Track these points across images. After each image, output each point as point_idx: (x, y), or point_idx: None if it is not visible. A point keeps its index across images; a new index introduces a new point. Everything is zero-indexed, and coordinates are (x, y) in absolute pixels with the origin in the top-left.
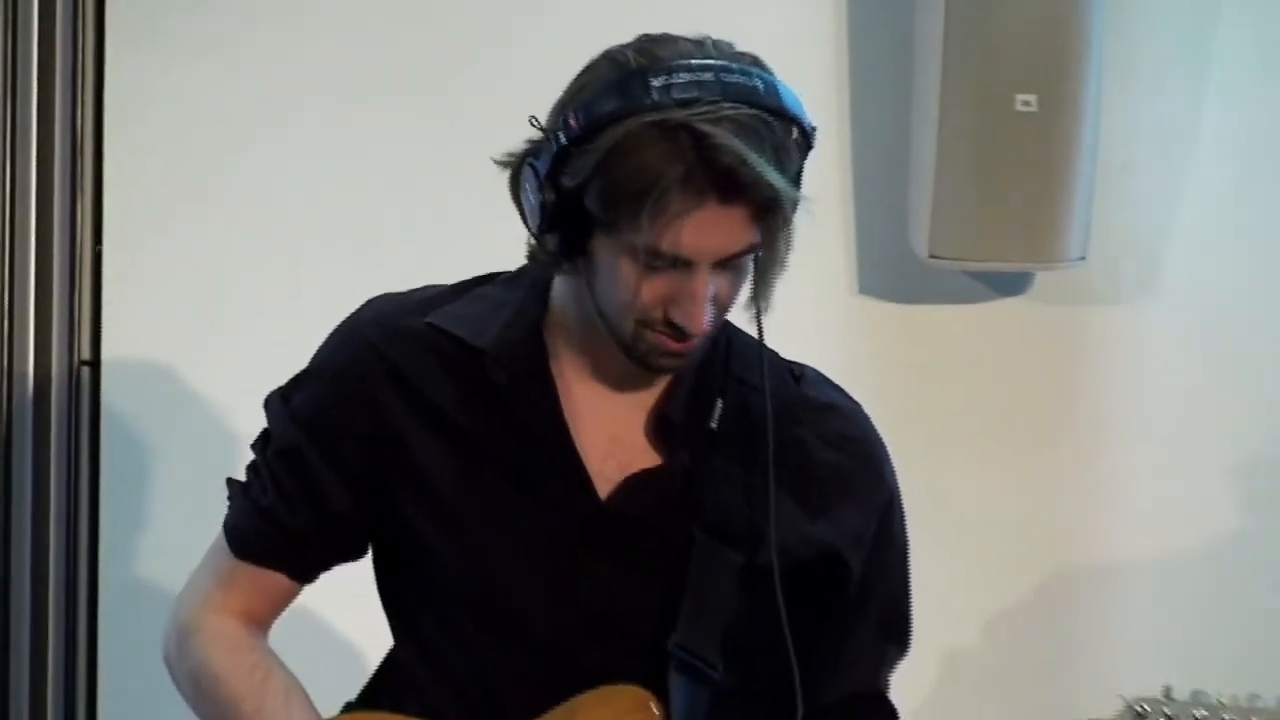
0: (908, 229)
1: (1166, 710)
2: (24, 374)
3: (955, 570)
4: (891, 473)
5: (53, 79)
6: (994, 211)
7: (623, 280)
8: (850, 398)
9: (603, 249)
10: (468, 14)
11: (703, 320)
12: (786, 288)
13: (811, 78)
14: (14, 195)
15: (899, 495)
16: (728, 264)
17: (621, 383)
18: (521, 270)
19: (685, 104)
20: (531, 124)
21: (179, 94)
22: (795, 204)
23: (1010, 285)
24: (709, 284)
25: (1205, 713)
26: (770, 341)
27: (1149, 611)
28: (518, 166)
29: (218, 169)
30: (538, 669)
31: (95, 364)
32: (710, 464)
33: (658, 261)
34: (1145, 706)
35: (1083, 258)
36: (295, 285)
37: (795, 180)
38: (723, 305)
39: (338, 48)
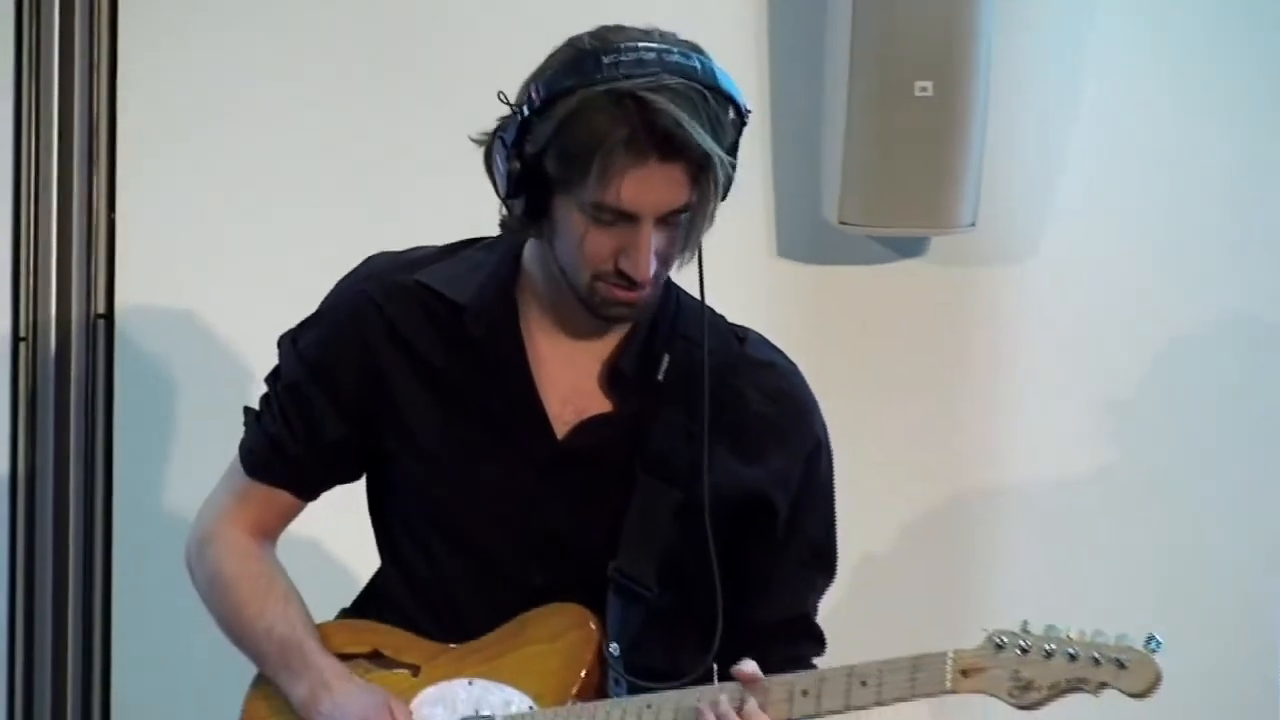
0: (820, 199)
1: (1022, 643)
2: (47, 325)
3: (861, 497)
4: (821, 426)
5: (72, 69)
6: (896, 183)
7: (578, 235)
8: (788, 359)
9: (561, 209)
10: (455, 11)
11: (648, 269)
12: (714, 251)
13: (736, 67)
14: (39, 170)
15: (827, 446)
16: (668, 220)
17: (581, 337)
18: (500, 236)
19: (630, 76)
20: (500, 99)
21: (183, 81)
22: (728, 169)
23: (910, 248)
24: (652, 237)
25: (1054, 646)
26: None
27: (1030, 530)
28: (490, 141)
29: (218, 145)
30: (496, 588)
31: (109, 317)
32: (655, 411)
33: (606, 215)
34: (1004, 638)
35: (973, 224)
36: (285, 249)
37: (731, 150)
38: (664, 259)
39: (333, 29)
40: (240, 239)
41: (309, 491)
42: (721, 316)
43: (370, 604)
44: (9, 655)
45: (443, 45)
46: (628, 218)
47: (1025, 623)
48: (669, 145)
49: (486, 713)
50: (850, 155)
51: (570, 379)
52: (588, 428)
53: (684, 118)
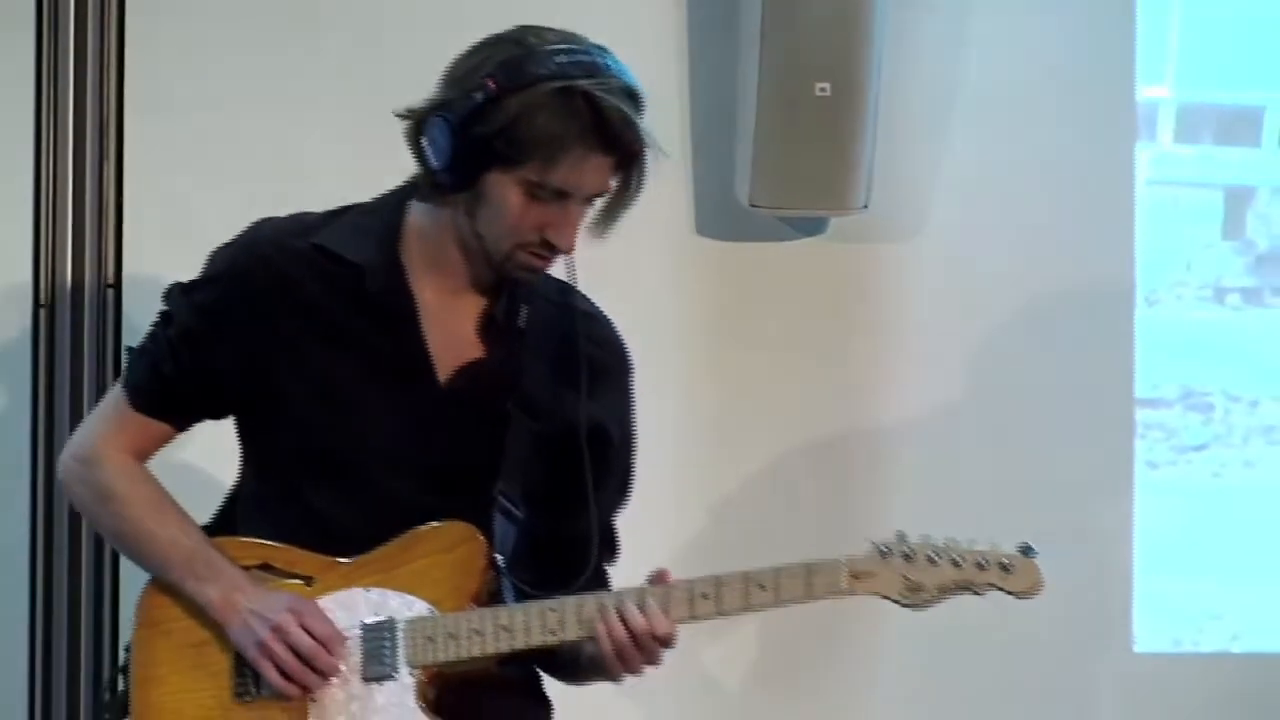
0: (734, 184)
1: (905, 549)
2: (64, 293)
3: (761, 448)
4: (632, 367)
5: (85, 69)
6: (799, 170)
7: (512, 208)
8: (601, 310)
9: (499, 185)
10: (452, 10)
11: (574, 242)
12: (642, 229)
13: (660, 71)
14: (56, 159)
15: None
16: (588, 201)
17: (459, 292)
18: (379, 201)
19: (583, 75)
20: (456, 85)
21: (181, 81)
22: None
23: (812, 227)
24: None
25: (937, 553)
26: (626, 272)
27: (911, 472)
28: (423, 117)
29: (214, 136)
30: (384, 510)
31: (117, 286)
32: (521, 356)
33: (544, 193)
34: (886, 546)
35: (866, 206)
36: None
37: None
38: None
39: (319, 35)
40: (233, 219)
41: (187, 423)
42: (551, 276)
43: (238, 522)
44: (30, 599)
45: (442, 43)
46: (563, 197)
47: (901, 532)
48: (612, 140)
49: (387, 616)
50: (760, 146)
51: (450, 329)
52: (467, 371)
53: (631, 116)
